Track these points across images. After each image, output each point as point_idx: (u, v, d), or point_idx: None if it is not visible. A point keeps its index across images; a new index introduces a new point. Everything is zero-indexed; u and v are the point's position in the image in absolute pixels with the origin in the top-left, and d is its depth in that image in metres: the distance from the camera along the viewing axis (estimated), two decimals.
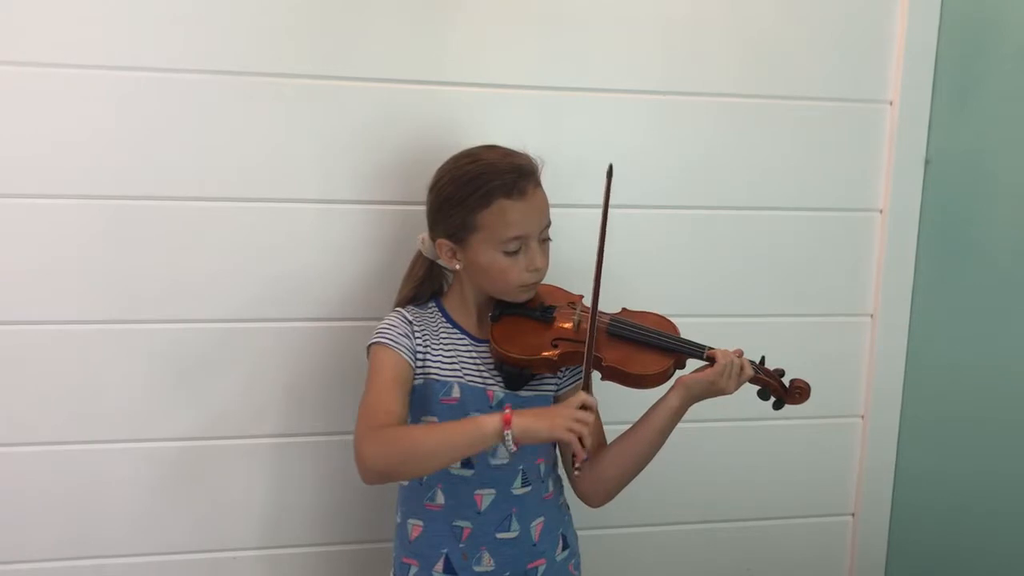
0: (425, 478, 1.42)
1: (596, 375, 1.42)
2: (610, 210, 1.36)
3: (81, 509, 1.64)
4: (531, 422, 1.23)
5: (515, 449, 1.24)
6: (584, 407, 1.26)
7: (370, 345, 1.41)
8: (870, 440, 1.92)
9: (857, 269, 1.88)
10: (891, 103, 1.82)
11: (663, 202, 1.77)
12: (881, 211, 1.86)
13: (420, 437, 1.29)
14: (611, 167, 1.35)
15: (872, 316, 1.89)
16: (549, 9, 1.66)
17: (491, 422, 1.23)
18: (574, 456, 1.26)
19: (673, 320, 1.48)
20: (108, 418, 1.62)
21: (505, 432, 1.22)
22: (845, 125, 1.82)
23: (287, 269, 1.64)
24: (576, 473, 1.31)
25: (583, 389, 1.30)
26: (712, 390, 1.38)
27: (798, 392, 1.43)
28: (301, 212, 1.63)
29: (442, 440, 1.26)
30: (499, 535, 1.42)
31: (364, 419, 1.32)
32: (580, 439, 1.23)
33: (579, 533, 1.56)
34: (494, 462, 1.41)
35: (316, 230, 1.64)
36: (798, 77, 1.78)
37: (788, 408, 1.48)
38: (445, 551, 1.42)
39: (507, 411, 1.23)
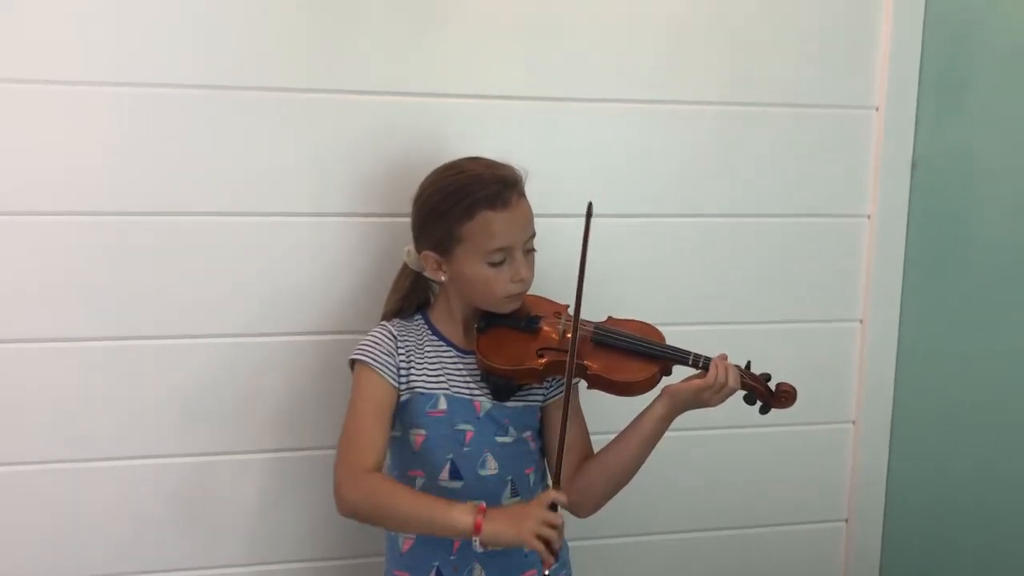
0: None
1: (583, 384, 1.42)
2: (598, 220, 1.36)
3: (71, 527, 1.63)
4: (500, 529, 1.23)
5: (481, 551, 1.27)
6: (553, 506, 1.25)
7: (354, 361, 1.41)
8: (862, 445, 1.92)
9: (846, 274, 1.88)
10: (877, 108, 1.83)
11: (651, 211, 1.77)
12: (869, 216, 1.86)
13: (398, 503, 1.30)
14: (591, 205, 1.36)
15: (862, 321, 1.90)
16: (538, 20, 1.67)
17: (463, 522, 1.24)
18: (542, 561, 1.23)
19: (663, 328, 1.48)
20: (98, 436, 1.61)
21: (474, 537, 1.24)
22: (831, 131, 1.82)
23: (279, 284, 1.64)
24: None
25: (553, 484, 1.28)
26: (697, 401, 1.38)
27: (784, 396, 1.43)
28: (292, 226, 1.63)
29: (417, 515, 1.29)
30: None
31: (347, 451, 1.34)
32: (549, 544, 1.22)
33: (570, 543, 1.55)
34: (483, 473, 1.41)
35: (307, 243, 1.64)
36: (784, 84, 1.79)
37: (779, 414, 1.47)
38: (436, 563, 1.42)
39: (479, 516, 1.23)
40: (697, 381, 1.37)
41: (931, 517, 1.96)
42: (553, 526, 1.22)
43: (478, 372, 1.42)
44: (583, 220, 1.36)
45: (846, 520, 1.97)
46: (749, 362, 1.44)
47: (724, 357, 1.40)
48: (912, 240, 1.87)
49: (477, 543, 1.24)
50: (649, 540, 1.88)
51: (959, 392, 1.93)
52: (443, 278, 1.41)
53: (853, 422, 1.93)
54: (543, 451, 1.50)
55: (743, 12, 1.75)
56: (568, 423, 1.30)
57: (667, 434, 1.41)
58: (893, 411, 1.92)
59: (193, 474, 1.66)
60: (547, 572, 1.25)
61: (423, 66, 1.63)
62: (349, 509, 1.31)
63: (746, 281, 1.83)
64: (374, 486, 1.31)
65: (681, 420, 1.41)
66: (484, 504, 1.26)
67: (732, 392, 1.38)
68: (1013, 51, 1.82)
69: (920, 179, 1.85)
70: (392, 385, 1.39)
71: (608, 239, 1.70)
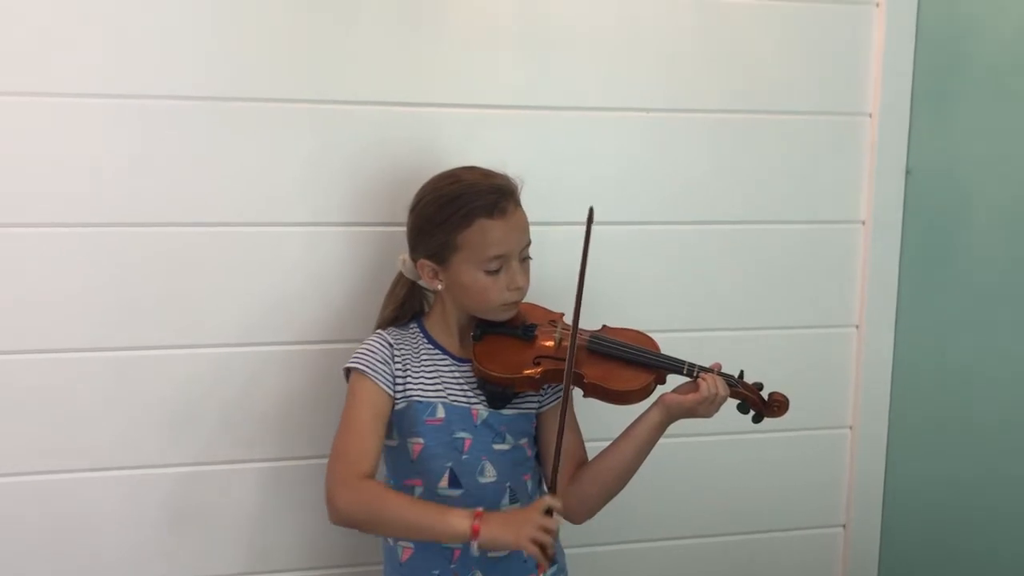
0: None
1: (578, 392, 1.42)
2: (595, 227, 1.36)
3: (67, 537, 1.63)
4: (497, 533, 1.25)
5: (478, 555, 1.34)
6: (549, 511, 1.27)
7: (349, 369, 1.41)
8: (859, 451, 1.92)
9: (841, 280, 1.88)
10: (870, 115, 1.84)
11: (646, 218, 1.78)
12: (863, 222, 1.87)
13: (394, 509, 1.30)
14: (592, 210, 1.36)
15: (857, 327, 1.90)
16: (533, 30, 1.68)
17: (461, 526, 1.26)
18: (537, 565, 1.26)
19: (659, 335, 1.49)
20: (95, 446, 1.61)
21: (472, 542, 1.25)
22: (826, 137, 1.83)
23: (275, 293, 1.64)
24: None
25: (550, 489, 1.31)
26: (691, 415, 1.39)
27: (776, 405, 1.44)
28: (287, 235, 1.63)
29: (413, 521, 1.30)
30: (490, 554, 1.42)
31: (341, 459, 1.34)
32: (544, 549, 1.25)
33: (568, 551, 1.56)
34: (482, 480, 1.42)
35: (303, 253, 1.64)
36: (779, 92, 1.79)
37: (777, 420, 1.48)
38: (436, 572, 1.42)
39: (476, 521, 1.25)
40: (692, 395, 1.38)
41: (928, 522, 1.97)
42: (548, 531, 1.25)
43: (475, 380, 1.42)
44: (582, 228, 1.36)
45: (844, 526, 1.97)
46: (742, 371, 1.44)
47: (718, 367, 1.41)
48: (907, 246, 1.87)
49: (475, 547, 1.25)
50: (646, 547, 1.87)
51: (955, 396, 1.93)
52: (439, 286, 1.42)
53: (850, 427, 1.93)
54: (538, 458, 1.50)
55: (738, 21, 1.76)
56: (564, 430, 1.31)
57: (664, 440, 1.42)
58: (890, 416, 1.93)
59: (189, 483, 1.66)
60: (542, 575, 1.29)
61: (420, 76, 1.64)
62: (342, 517, 1.31)
63: (742, 287, 1.84)
64: (368, 493, 1.31)
65: (678, 426, 1.42)
66: (481, 509, 1.28)
67: (724, 401, 1.40)
68: (1004, 59, 1.84)
69: (914, 185, 1.86)
70: (387, 393, 1.39)
71: (603, 247, 1.69)
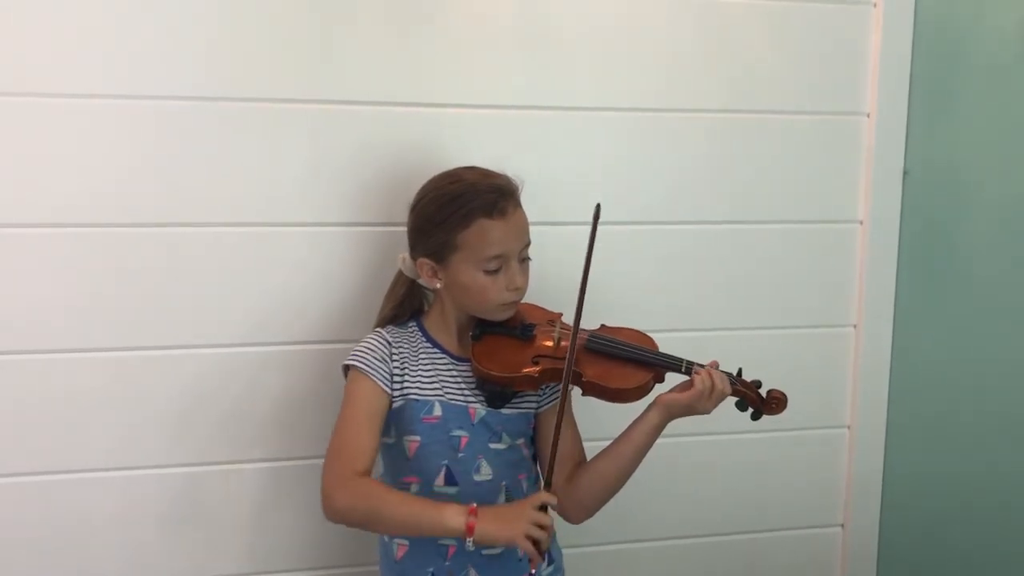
0: None
1: (577, 391, 1.43)
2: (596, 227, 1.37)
3: (70, 537, 1.63)
4: (491, 529, 1.25)
5: (473, 549, 1.29)
6: (544, 507, 1.28)
7: (347, 366, 1.41)
8: (857, 450, 1.93)
9: (839, 280, 1.89)
10: (868, 115, 1.84)
11: (647, 218, 1.78)
12: (861, 222, 1.87)
13: (389, 506, 1.30)
14: (599, 207, 1.36)
15: (855, 326, 1.90)
16: (533, 30, 1.68)
17: (455, 522, 1.25)
18: (530, 559, 1.27)
19: (658, 334, 1.49)
20: (97, 446, 1.62)
21: (468, 539, 1.25)
22: (824, 138, 1.84)
23: (276, 293, 1.64)
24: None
25: (545, 485, 1.32)
26: (690, 411, 1.39)
27: (775, 402, 1.44)
28: (287, 235, 1.64)
29: (408, 518, 1.29)
30: (484, 551, 1.42)
31: (337, 457, 1.34)
32: (538, 545, 1.25)
33: (565, 550, 1.56)
34: (477, 479, 1.42)
35: (303, 253, 1.64)
36: (777, 92, 1.80)
37: (774, 420, 1.49)
38: (431, 570, 1.43)
39: (471, 519, 1.25)
40: (688, 392, 1.38)
41: (927, 521, 1.97)
42: (543, 527, 1.25)
43: (472, 379, 1.43)
44: (581, 228, 1.36)
45: (842, 525, 1.97)
46: (740, 369, 1.45)
47: (715, 364, 1.42)
48: (904, 246, 1.88)
49: (470, 543, 1.25)
50: (644, 547, 1.88)
51: (953, 396, 1.94)
52: (438, 285, 1.42)
53: (848, 427, 1.94)
54: (536, 458, 1.51)
55: (737, 21, 1.76)
56: (562, 429, 1.32)
57: (662, 440, 1.42)
58: (888, 415, 1.93)
59: (191, 483, 1.66)
60: (534, 571, 1.30)
61: (420, 76, 1.65)
62: (338, 515, 1.31)
63: (740, 287, 1.84)
64: (364, 490, 1.31)
65: (676, 426, 1.42)
66: (475, 505, 1.28)
67: (723, 397, 1.40)
68: (1001, 59, 1.84)
69: (912, 185, 1.86)
70: (384, 391, 1.40)
71: (603, 246, 1.68)
